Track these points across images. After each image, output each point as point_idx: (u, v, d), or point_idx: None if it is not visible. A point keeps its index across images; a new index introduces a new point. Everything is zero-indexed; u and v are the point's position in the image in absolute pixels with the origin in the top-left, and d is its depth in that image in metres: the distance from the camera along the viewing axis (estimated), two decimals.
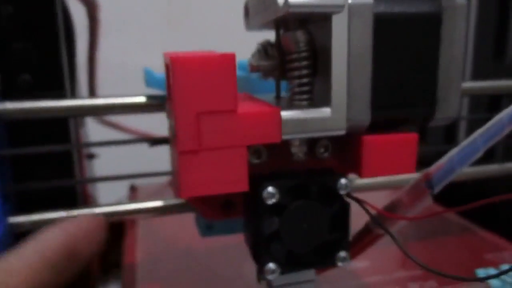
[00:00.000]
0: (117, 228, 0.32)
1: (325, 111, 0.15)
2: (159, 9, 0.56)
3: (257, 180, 0.16)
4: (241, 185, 0.15)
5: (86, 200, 0.26)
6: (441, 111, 0.17)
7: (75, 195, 0.23)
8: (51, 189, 0.22)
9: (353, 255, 0.19)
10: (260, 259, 0.16)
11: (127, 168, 0.23)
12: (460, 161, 0.17)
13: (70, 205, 0.21)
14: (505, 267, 0.26)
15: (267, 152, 0.17)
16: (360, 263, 0.27)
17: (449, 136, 0.38)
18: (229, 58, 0.14)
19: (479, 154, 0.17)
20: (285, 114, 0.15)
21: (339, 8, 0.14)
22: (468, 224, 0.33)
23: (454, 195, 0.29)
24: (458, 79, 0.16)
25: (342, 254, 0.17)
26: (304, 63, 0.16)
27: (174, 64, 0.14)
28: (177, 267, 0.27)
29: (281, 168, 0.17)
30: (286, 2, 0.13)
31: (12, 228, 0.21)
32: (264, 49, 0.17)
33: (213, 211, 0.19)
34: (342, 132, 0.16)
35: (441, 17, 0.16)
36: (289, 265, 0.17)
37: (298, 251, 0.17)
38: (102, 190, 0.37)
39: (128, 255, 0.30)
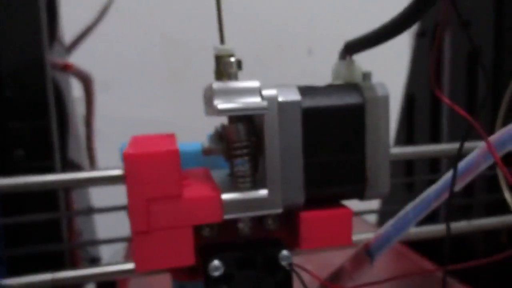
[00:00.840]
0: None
1: (262, 193, 0.18)
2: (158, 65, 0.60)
3: (204, 253, 0.18)
4: (188, 260, 0.17)
5: (75, 262, 0.28)
6: (371, 189, 0.19)
7: (62, 258, 0.26)
8: (40, 253, 0.24)
9: None
10: None
11: None
12: (396, 232, 0.19)
13: (59, 268, 0.24)
14: None
15: (217, 226, 0.19)
16: None
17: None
18: (173, 153, 0.16)
19: (412, 225, 0.19)
20: (225, 196, 0.17)
21: (262, 110, 0.16)
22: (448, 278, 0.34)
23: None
24: (385, 160, 0.18)
25: None
26: (244, 151, 0.18)
27: (125, 159, 0.16)
28: None
29: (229, 239, 0.19)
30: (216, 108, 0.16)
31: None
32: (218, 134, 0.20)
33: (182, 274, 0.21)
34: (279, 211, 0.18)
35: (364, 108, 0.18)
36: None
37: None
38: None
39: None
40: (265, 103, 0.16)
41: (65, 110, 0.28)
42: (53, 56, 0.28)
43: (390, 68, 0.51)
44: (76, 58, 0.41)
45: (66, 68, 0.28)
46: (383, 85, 0.18)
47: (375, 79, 0.19)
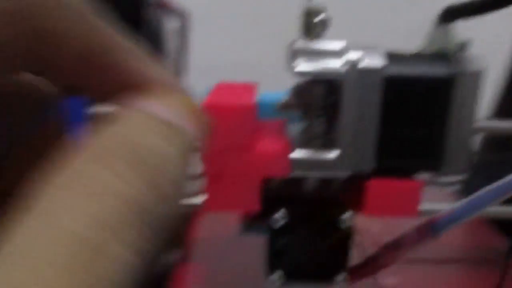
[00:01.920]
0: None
1: (332, 155, 0.18)
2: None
3: (270, 203, 0.19)
4: (253, 207, 0.18)
5: None
6: (448, 166, 0.18)
7: None
8: None
9: (365, 275, 0.21)
10: (267, 269, 0.20)
11: None
12: (466, 212, 0.19)
13: None
14: None
15: (285, 180, 0.20)
16: (389, 278, 0.29)
17: None
18: (248, 108, 0.17)
19: (483, 208, 0.18)
20: (295, 153, 0.18)
21: (340, 76, 0.16)
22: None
23: None
24: (466, 139, 0.18)
25: (341, 276, 0.20)
26: (319, 112, 0.18)
27: (206, 109, 0.17)
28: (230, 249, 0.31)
29: (295, 194, 0.20)
30: (293, 70, 0.16)
31: None
32: (297, 90, 0.20)
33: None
34: (346, 174, 0.18)
35: (451, 82, 0.17)
36: (291, 278, 0.20)
37: (301, 268, 0.20)
38: None
39: (192, 233, 0.35)
40: (343, 70, 0.16)
41: (160, 45, 0.29)
42: None
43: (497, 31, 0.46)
44: None
45: (162, 5, 0.29)
46: (479, 58, 0.17)
47: (479, 44, 0.18)
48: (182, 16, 0.32)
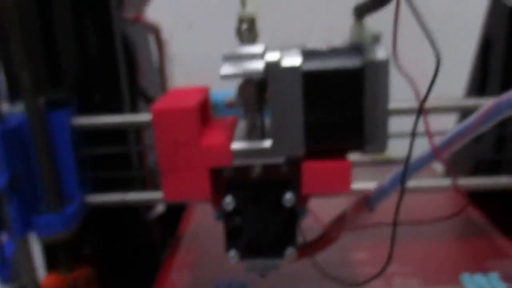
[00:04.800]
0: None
1: (267, 144, 0.21)
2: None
3: (224, 190, 0.22)
4: (205, 195, 0.21)
5: (146, 186, 0.34)
6: (370, 144, 0.20)
7: (132, 182, 0.32)
8: (113, 178, 0.30)
9: (314, 251, 0.24)
10: (225, 246, 0.22)
11: None
12: (392, 184, 0.21)
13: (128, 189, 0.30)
14: (493, 275, 0.28)
15: (234, 169, 0.22)
16: (358, 255, 0.31)
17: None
18: (191, 110, 0.20)
19: (407, 180, 0.20)
20: (235, 145, 0.21)
21: (259, 74, 0.19)
22: (490, 228, 0.34)
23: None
24: (383, 120, 0.20)
25: (290, 250, 0.22)
26: (254, 107, 0.21)
27: (152, 113, 0.20)
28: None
29: (244, 179, 0.22)
30: (220, 74, 0.19)
31: (88, 203, 0.30)
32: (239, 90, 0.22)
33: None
34: (281, 160, 0.21)
35: (363, 71, 0.19)
36: (247, 254, 0.22)
37: (255, 244, 0.22)
38: None
39: (183, 225, 0.38)
40: (260, 69, 0.19)
41: (134, 59, 0.32)
42: (126, 11, 0.32)
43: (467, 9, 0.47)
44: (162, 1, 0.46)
45: (137, 20, 0.32)
46: (384, 48, 0.19)
47: (455, 21, 0.19)
48: (155, 30, 0.35)
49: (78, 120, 0.28)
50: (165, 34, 0.53)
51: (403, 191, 0.19)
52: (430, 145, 0.19)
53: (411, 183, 0.30)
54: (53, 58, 0.31)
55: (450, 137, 0.19)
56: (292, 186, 0.22)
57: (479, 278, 0.27)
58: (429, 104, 0.21)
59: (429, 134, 0.18)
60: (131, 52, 0.31)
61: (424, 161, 0.20)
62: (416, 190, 0.29)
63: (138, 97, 0.33)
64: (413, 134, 0.19)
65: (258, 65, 0.19)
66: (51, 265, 0.33)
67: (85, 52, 0.30)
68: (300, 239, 0.23)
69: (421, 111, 0.18)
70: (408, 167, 0.20)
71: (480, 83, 0.41)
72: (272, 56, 0.19)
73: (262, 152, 0.21)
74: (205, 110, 0.23)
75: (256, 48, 0.20)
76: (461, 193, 0.40)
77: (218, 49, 0.21)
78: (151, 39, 0.37)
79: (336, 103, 0.20)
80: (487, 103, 0.19)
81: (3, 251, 0.31)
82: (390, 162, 0.32)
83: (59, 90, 0.30)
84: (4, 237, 0.31)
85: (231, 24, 0.21)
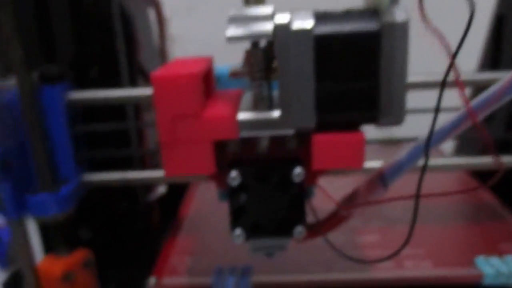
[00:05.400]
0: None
1: (275, 114, 0.19)
2: None
3: (226, 165, 0.20)
4: (209, 170, 0.20)
5: (145, 166, 0.33)
6: (385, 116, 0.19)
7: (131, 161, 0.30)
8: (111, 157, 0.29)
9: (325, 231, 0.23)
10: (230, 226, 0.21)
11: None
12: (408, 160, 0.20)
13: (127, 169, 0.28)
14: (510, 258, 0.27)
15: (240, 143, 0.21)
16: (367, 237, 0.30)
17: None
18: (193, 77, 0.18)
19: (423, 155, 0.19)
20: (241, 116, 0.19)
21: (267, 37, 0.17)
22: (503, 211, 0.33)
23: None
24: (401, 90, 0.18)
25: (299, 228, 0.21)
26: (262, 74, 0.19)
27: (152, 81, 0.19)
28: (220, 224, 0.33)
29: (250, 155, 0.21)
30: (226, 36, 0.17)
31: (85, 183, 0.29)
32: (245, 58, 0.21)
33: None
34: (290, 132, 0.19)
35: (380, 35, 0.18)
36: (253, 233, 0.21)
37: (261, 223, 0.21)
38: None
39: (184, 208, 0.37)
40: (269, 30, 0.17)
41: (133, 33, 0.31)
42: None
43: None
44: None
45: None
46: (404, 10, 0.18)
47: None
48: (156, 4, 0.34)
49: (73, 95, 0.27)
50: (166, 14, 0.51)
51: (427, 162, 0.18)
52: (465, 109, 0.17)
53: (421, 162, 0.28)
54: (47, 31, 0.29)
55: (483, 99, 0.17)
56: (302, 161, 0.21)
57: (495, 261, 0.26)
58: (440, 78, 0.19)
59: (464, 97, 0.16)
60: (129, 25, 0.30)
61: (450, 129, 0.19)
62: (429, 169, 0.27)
63: (137, 74, 0.32)
64: (438, 104, 0.17)
65: (267, 27, 0.18)
66: (49, 248, 0.32)
67: (80, 24, 0.28)
68: (309, 218, 0.22)
69: (451, 66, 0.16)
70: (433, 137, 0.18)
71: (493, 60, 0.39)
72: (282, 18, 0.18)
73: (270, 123, 0.19)
74: (209, 80, 0.22)
75: (265, 10, 0.18)
76: (473, 176, 0.39)
77: (219, 32, 0.19)
78: (152, 14, 0.35)
79: (350, 70, 0.18)
80: (504, 76, 0.17)
81: None
82: (399, 142, 0.31)
83: (53, 65, 0.28)
84: (2, 222, 0.30)
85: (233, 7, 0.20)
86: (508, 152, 0.30)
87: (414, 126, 0.23)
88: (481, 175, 0.37)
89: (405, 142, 0.27)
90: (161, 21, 0.35)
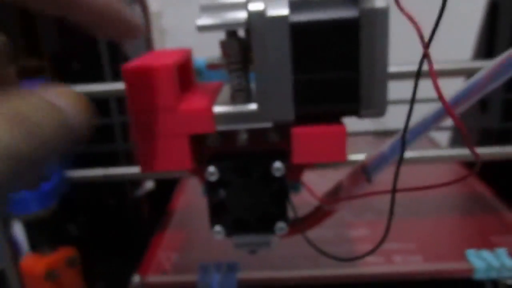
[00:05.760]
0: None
1: (252, 107, 0.18)
2: None
3: (207, 160, 0.20)
4: (186, 165, 0.19)
5: (130, 160, 0.32)
6: (366, 107, 0.18)
7: (117, 157, 0.30)
8: (95, 152, 0.28)
9: (308, 226, 0.22)
10: (210, 222, 0.20)
11: None
12: (392, 152, 0.19)
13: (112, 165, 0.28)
14: (501, 250, 0.26)
15: (219, 137, 0.20)
16: (357, 231, 0.30)
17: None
18: (167, 68, 0.18)
19: (408, 146, 0.18)
20: (218, 109, 0.19)
21: (241, 25, 0.17)
22: (497, 203, 0.32)
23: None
24: (382, 79, 0.18)
25: (280, 224, 0.20)
26: (238, 66, 0.19)
27: (123, 73, 0.18)
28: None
29: (230, 149, 0.20)
30: (197, 25, 0.16)
31: (68, 179, 0.28)
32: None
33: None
34: (268, 125, 0.19)
35: (358, 22, 0.17)
36: (233, 229, 0.20)
37: (242, 219, 0.20)
38: None
39: (173, 203, 0.36)
40: (242, 19, 0.17)
41: None
42: None
43: None
44: None
45: None
46: None
47: None
48: (141, 2, 0.33)
49: None
50: (157, 7, 0.50)
51: (402, 153, 0.17)
52: (441, 102, 0.16)
53: (414, 153, 0.28)
54: (30, 24, 0.29)
55: (461, 92, 0.16)
56: (282, 155, 0.20)
57: (486, 254, 0.26)
58: (435, 67, 0.18)
59: (437, 88, 0.16)
60: None
61: (430, 121, 0.18)
62: (418, 161, 0.27)
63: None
64: (414, 93, 0.17)
65: (240, 15, 0.17)
66: (34, 246, 0.32)
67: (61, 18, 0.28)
68: (292, 214, 0.21)
69: (425, 57, 0.15)
70: (410, 129, 0.18)
71: (488, 48, 0.38)
72: (256, 5, 0.17)
73: (248, 116, 0.19)
74: (186, 72, 0.21)
75: None
76: (465, 165, 0.38)
77: None
78: (137, 8, 0.34)
79: (329, 59, 0.17)
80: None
81: None
82: (387, 133, 0.30)
83: (33, 58, 0.27)
84: None
85: None
86: (505, 143, 0.30)
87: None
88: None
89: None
90: (146, 13, 0.34)
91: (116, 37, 0.17)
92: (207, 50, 0.24)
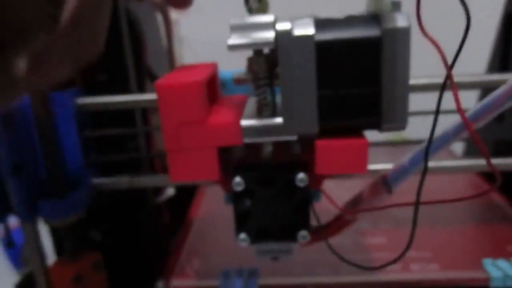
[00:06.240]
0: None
1: (278, 121, 0.19)
2: None
3: (231, 171, 0.21)
4: (213, 176, 0.20)
5: (154, 169, 0.33)
6: (388, 121, 0.19)
7: (140, 164, 0.31)
8: (121, 160, 0.29)
9: (329, 235, 0.23)
10: (235, 230, 0.21)
11: None
12: (412, 164, 0.20)
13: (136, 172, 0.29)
14: None
15: (245, 149, 0.21)
16: (375, 239, 0.30)
17: None
18: (197, 85, 0.19)
19: (428, 158, 0.19)
20: (245, 122, 0.19)
21: (270, 44, 0.17)
22: None
23: None
24: (403, 94, 0.18)
25: (303, 233, 0.21)
26: (265, 81, 0.19)
27: (156, 89, 0.19)
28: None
29: (256, 160, 0.21)
30: (227, 44, 0.17)
31: (94, 187, 0.29)
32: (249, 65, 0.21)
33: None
34: (293, 138, 0.19)
35: (381, 41, 0.18)
36: (257, 237, 0.21)
37: (266, 227, 0.21)
38: None
39: (193, 210, 0.37)
40: (271, 38, 0.17)
41: (140, 37, 0.31)
42: None
43: None
44: None
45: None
46: (405, 16, 0.18)
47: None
48: (162, 8, 0.34)
49: (82, 101, 0.27)
50: (174, 15, 0.51)
51: (426, 167, 0.18)
52: (461, 118, 0.17)
53: (432, 164, 0.28)
54: None
55: (480, 108, 0.17)
56: (305, 166, 0.21)
57: (503, 263, 0.26)
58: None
59: (459, 106, 0.16)
60: (136, 29, 0.30)
61: (451, 136, 0.19)
62: (436, 171, 0.27)
63: (145, 78, 0.32)
64: (438, 109, 0.17)
65: (268, 35, 0.18)
66: (60, 251, 0.33)
67: None
68: (314, 222, 0.22)
69: (448, 77, 0.16)
70: (432, 142, 0.18)
71: (502, 60, 0.39)
72: (283, 25, 0.18)
73: (273, 129, 0.19)
74: (213, 87, 0.22)
75: (266, 18, 0.18)
76: (483, 177, 0.38)
77: (228, 33, 0.19)
78: (159, 18, 0.36)
79: (353, 76, 0.18)
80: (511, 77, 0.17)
81: (10, 236, 0.30)
82: (406, 143, 0.31)
83: None
84: (14, 223, 0.30)
85: (241, 9, 0.20)
86: None
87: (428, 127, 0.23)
88: (491, 176, 0.36)
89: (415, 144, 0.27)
90: (168, 23, 0.35)
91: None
92: (220, 58, 0.25)
